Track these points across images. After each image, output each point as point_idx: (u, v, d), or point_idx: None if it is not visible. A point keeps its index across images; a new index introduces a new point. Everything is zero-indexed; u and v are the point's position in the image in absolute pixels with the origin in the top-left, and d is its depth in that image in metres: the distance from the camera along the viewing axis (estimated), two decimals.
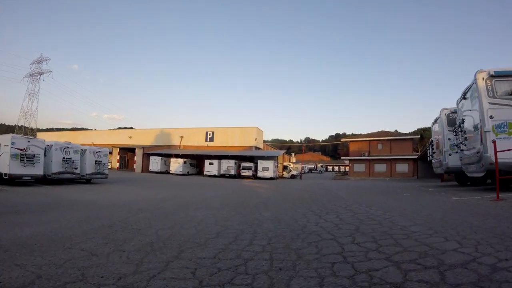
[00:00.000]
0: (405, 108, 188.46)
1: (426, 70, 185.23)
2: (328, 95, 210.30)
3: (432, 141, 11.45)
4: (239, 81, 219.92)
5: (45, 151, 14.98)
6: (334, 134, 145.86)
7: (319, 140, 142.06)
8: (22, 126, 66.71)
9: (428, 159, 11.95)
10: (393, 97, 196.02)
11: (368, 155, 39.72)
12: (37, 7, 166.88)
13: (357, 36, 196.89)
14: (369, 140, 40.81)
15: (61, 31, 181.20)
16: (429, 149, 11.79)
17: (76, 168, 15.47)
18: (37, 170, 13.78)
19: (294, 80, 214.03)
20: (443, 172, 10.53)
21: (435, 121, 11.57)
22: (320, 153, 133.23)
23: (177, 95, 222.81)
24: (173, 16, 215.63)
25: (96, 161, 16.57)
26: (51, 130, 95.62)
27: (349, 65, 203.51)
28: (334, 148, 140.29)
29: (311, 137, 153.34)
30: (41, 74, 70.51)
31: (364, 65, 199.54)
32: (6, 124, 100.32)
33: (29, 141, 13.66)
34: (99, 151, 16.89)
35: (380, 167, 39.62)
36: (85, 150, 16.43)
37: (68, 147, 15.37)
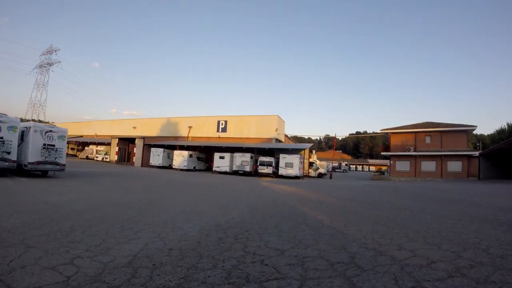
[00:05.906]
0: (422, 109, 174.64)
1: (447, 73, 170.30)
2: (348, 93, 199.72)
3: None
4: (259, 75, 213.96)
5: None
6: (354, 132, 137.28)
7: (338, 138, 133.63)
8: (30, 119, 64.27)
9: None
10: (408, 99, 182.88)
11: (414, 150, 32.45)
12: (59, 6, 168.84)
13: (368, 36, 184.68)
14: (414, 132, 33.33)
15: (82, 30, 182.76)
16: None
17: (8, 153, 10.06)
18: None
19: (309, 78, 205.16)
20: None
21: None
22: (340, 151, 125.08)
23: (192, 85, 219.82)
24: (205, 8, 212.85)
25: (45, 144, 11.09)
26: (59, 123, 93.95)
27: (368, 66, 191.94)
28: (356, 146, 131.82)
29: (331, 134, 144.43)
30: (50, 65, 68.06)
31: (378, 65, 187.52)
32: (23, 118, 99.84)
33: None
34: (50, 131, 11.39)
35: (428, 165, 32.23)
36: (29, 127, 10.99)
37: None
